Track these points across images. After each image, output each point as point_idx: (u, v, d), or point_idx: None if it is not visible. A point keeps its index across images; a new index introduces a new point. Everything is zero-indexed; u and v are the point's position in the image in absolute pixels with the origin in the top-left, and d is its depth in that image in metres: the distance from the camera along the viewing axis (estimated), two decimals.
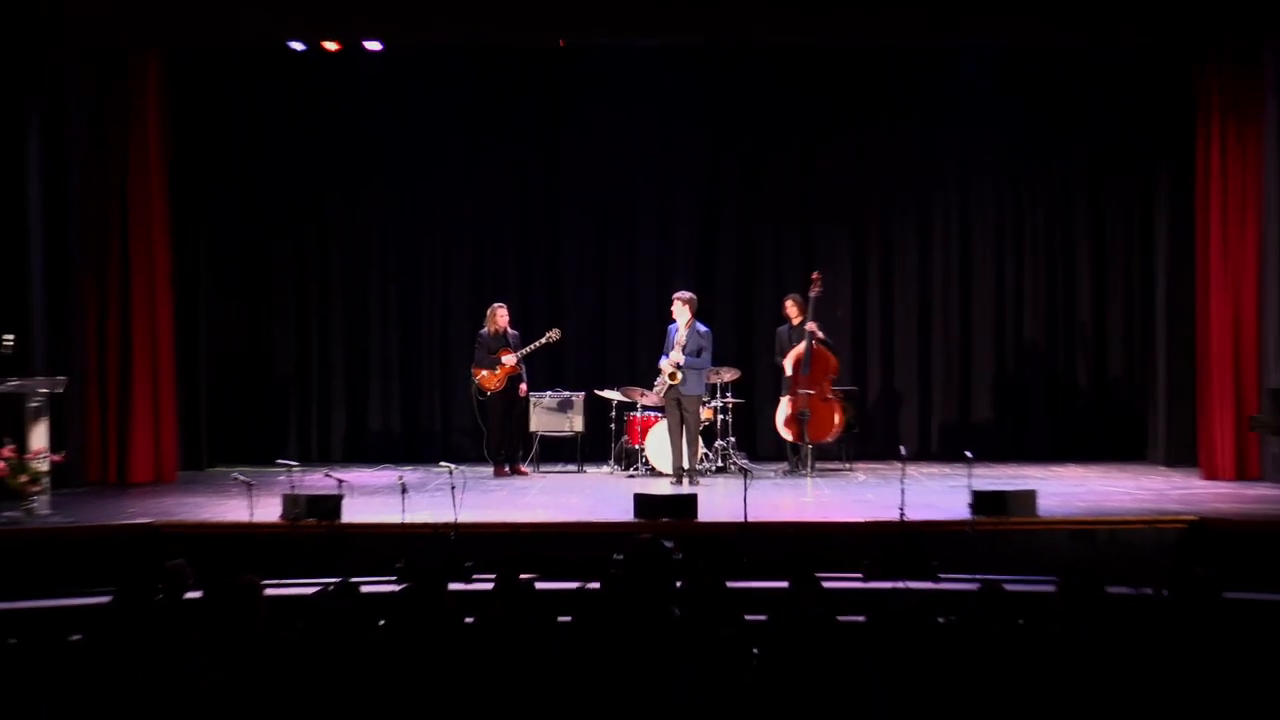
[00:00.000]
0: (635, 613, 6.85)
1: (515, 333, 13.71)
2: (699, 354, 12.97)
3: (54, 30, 12.41)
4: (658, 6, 12.49)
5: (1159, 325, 14.45)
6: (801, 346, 13.48)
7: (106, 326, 13.51)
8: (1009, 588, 7.57)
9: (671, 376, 12.93)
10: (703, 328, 13.06)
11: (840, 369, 13.73)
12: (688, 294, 13.19)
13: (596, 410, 14.25)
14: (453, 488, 10.50)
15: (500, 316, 13.65)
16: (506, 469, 13.64)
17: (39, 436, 11.27)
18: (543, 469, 14.09)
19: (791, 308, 13.69)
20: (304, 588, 8.73)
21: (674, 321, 13.14)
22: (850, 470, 13.91)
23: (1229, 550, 10.31)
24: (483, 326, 13.75)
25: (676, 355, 12.94)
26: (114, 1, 12.46)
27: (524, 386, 13.75)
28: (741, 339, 14.97)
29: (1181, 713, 5.04)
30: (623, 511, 10.93)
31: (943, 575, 9.89)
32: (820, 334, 13.49)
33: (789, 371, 13.54)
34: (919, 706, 5.00)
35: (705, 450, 13.50)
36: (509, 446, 13.76)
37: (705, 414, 13.43)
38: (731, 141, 15.24)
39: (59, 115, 13.00)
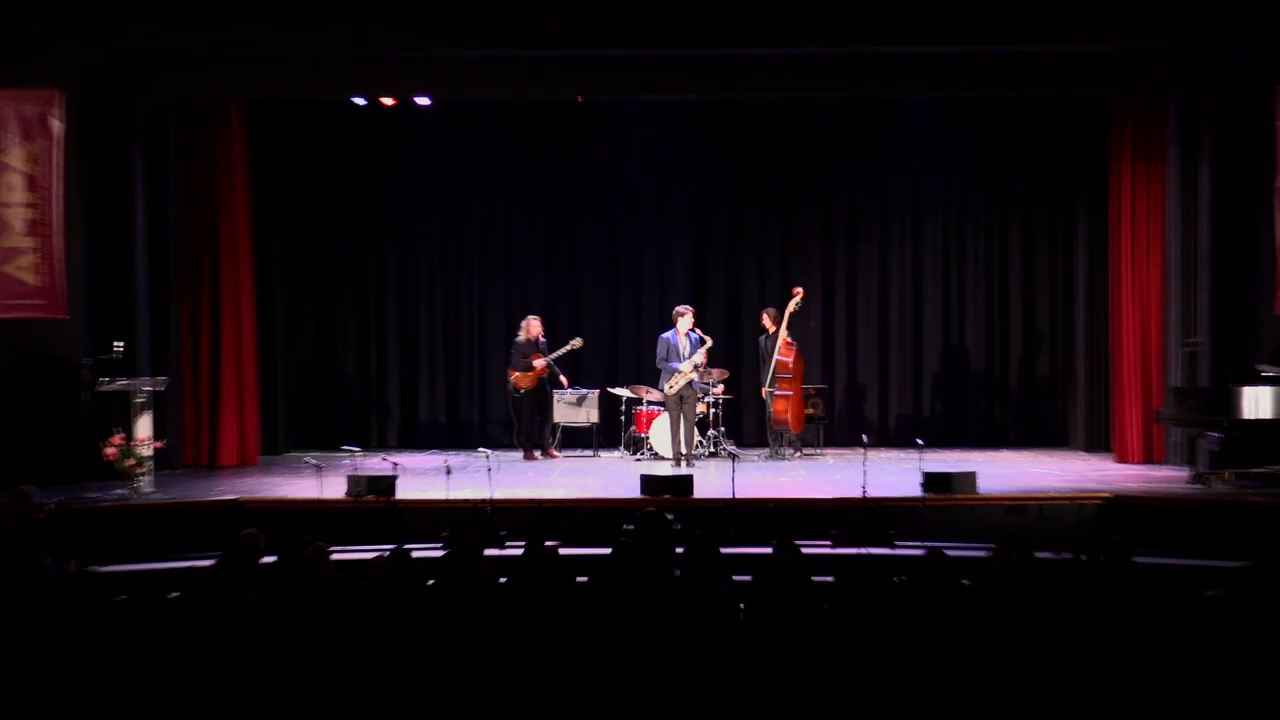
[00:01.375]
0: (641, 573, 6.88)
1: (544, 340, 13.73)
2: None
3: (156, 86, 12.47)
4: (656, 70, 12.51)
5: (1079, 332, 14.47)
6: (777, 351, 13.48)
7: (199, 334, 13.53)
8: (955, 554, 7.57)
9: (692, 372, 12.98)
10: (695, 335, 13.09)
11: (804, 369, 13.65)
12: (691, 307, 13.25)
13: (608, 404, 14.26)
14: (489, 469, 10.52)
15: (533, 326, 13.69)
16: (536, 454, 13.65)
17: (143, 427, 11.27)
18: (563, 454, 14.09)
19: (766, 319, 13.70)
20: (365, 553, 8.78)
21: (669, 330, 13.16)
22: (821, 455, 13.89)
23: (1138, 522, 10.31)
24: (517, 335, 13.78)
25: (699, 358, 12.99)
26: (207, 66, 12.52)
27: (564, 379, 13.83)
28: (730, 345, 14.95)
29: (1098, 655, 5.05)
30: (630, 489, 10.92)
31: (899, 543, 9.92)
32: (784, 340, 13.46)
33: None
34: (879, 649, 5.03)
35: (700, 438, 13.50)
36: (539, 434, 13.78)
37: (699, 407, 13.45)
38: (720, 178, 15.21)
39: (159, 155, 12.98)
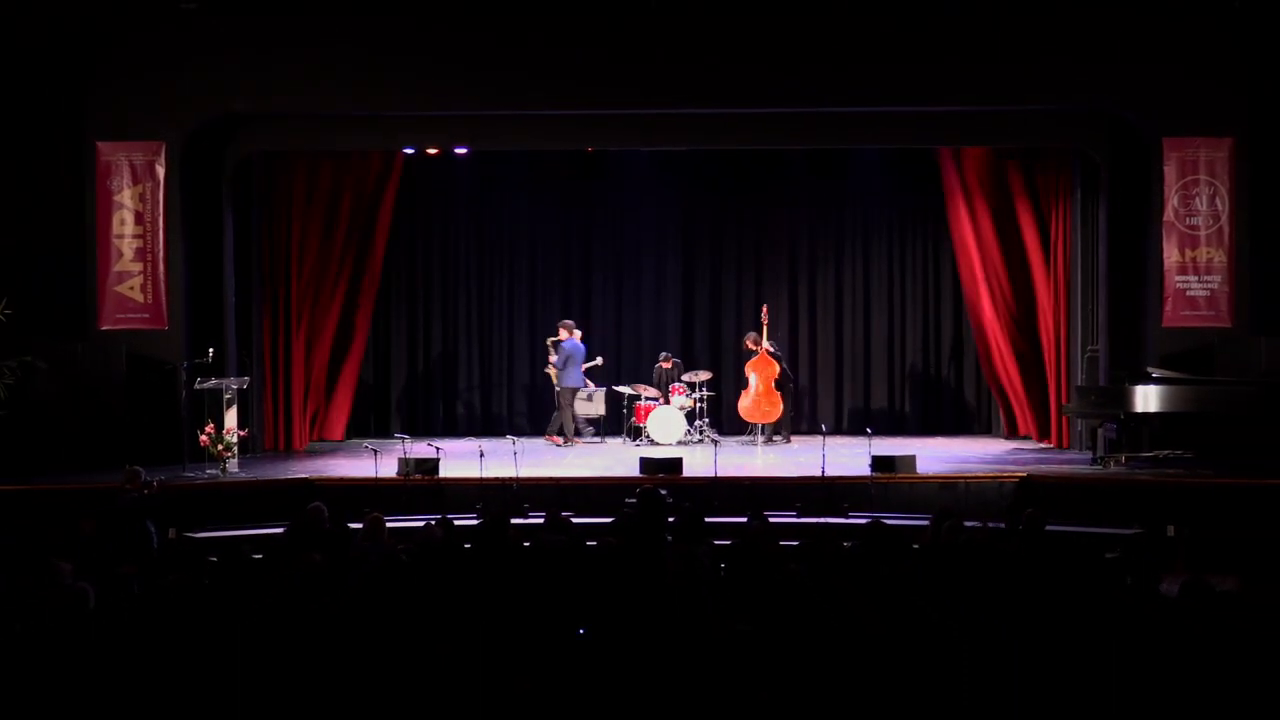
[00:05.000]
0: (640, 538, 6.87)
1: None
2: (565, 363, 13.21)
3: (242, 140, 12.49)
4: (653, 125, 12.50)
5: None
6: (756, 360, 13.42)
7: (276, 343, 13.49)
8: (898, 523, 7.55)
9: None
10: (568, 345, 13.25)
11: (775, 373, 13.55)
12: (569, 322, 13.50)
13: (613, 400, 14.22)
14: (515, 453, 10.52)
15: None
16: (568, 439, 13.60)
17: (230, 418, 11.26)
18: (578, 440, 14.01)
19: (749, 342, 13.55)
20: (414, 522, 8.79)
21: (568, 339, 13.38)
22: (788, 442, 13.84)
23: (1049, 497, 10.31)
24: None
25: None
26: (285, 124, 12.56)
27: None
28: (713, 352, 14.93)
29: (1014, 603, 5.05)
30: (631, 469, 10.92)
31: (851, 513, 9.91)
32: (765, 349, 13.43)
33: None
34: (834, 599, 5.03)
35: (687, 426, 13.40)
36: (568, 423, 13.73)
37: (686, 403, 13.37)
38: (705, 215, 15.09)
39: (245, 194, 12.99)
